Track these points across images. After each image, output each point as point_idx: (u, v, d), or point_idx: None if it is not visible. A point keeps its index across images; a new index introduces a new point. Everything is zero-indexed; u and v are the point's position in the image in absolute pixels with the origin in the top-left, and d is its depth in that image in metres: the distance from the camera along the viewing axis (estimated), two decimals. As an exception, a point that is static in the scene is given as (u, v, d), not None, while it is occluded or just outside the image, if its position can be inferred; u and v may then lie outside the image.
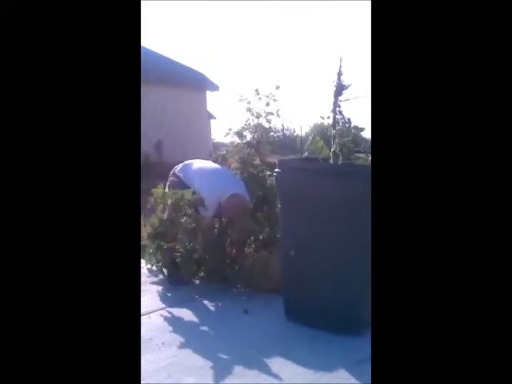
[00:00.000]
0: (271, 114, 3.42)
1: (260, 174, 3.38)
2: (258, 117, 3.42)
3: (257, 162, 3.43)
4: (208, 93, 12.85)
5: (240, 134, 3.47)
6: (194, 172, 3.29)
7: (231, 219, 3.07)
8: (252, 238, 3.15)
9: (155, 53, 11.79)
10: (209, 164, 3.39)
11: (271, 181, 3.11)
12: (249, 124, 3.46)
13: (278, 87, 3.37)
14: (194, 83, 12.12)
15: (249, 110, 3.42)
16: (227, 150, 3.62)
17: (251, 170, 3.39)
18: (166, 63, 11.84)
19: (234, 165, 3.48)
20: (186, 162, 3.47)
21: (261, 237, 3.14)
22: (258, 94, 3.37)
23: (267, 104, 3.38)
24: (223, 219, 3.13)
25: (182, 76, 11.73)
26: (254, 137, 3.46)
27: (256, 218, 3.18)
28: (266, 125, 3.47)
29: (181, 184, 3.20)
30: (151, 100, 9.77)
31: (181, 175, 3.30)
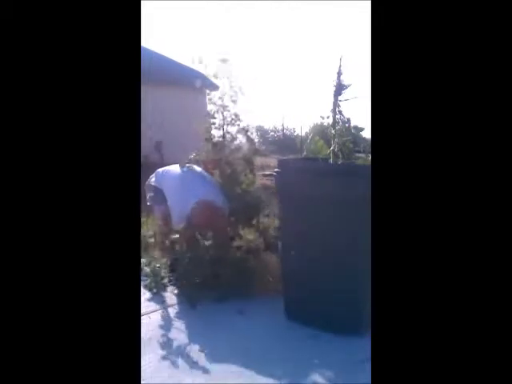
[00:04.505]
0: (238, 118, 3.20)
1: (243, 175, 3.19)
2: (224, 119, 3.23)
3: (238, 161, 3.22)
4: (208, 93, 12.83)
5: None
6: (166, 181, 3.18)
7: (203, 227, 2.93)
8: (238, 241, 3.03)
9: (155, 53, 11.77)
10: (178, 169, 3.21)
11: (258, 181, 3.01)
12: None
13: (224, 60, 3.07)
14: (194, 83, 12.09)
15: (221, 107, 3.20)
16: (196, 153, 3.41)
17: (228, 171, 3.20)
18: (166, 63, 11.81)
19: (212, 166, 3.31)
20: (159, 170, 3.33)
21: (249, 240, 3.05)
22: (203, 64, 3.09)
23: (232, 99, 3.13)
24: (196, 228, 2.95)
25: (182, 76, 11.71)
26: (223, 135, 3.27)
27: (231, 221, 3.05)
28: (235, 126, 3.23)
29: (160, 197, 3.11)
30: (151, 100, 9.75)
31: (157, 186, 3.19)
